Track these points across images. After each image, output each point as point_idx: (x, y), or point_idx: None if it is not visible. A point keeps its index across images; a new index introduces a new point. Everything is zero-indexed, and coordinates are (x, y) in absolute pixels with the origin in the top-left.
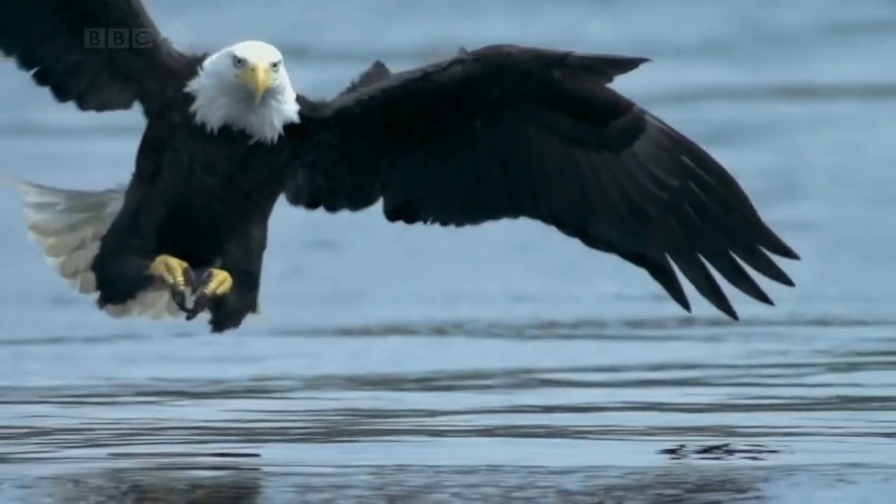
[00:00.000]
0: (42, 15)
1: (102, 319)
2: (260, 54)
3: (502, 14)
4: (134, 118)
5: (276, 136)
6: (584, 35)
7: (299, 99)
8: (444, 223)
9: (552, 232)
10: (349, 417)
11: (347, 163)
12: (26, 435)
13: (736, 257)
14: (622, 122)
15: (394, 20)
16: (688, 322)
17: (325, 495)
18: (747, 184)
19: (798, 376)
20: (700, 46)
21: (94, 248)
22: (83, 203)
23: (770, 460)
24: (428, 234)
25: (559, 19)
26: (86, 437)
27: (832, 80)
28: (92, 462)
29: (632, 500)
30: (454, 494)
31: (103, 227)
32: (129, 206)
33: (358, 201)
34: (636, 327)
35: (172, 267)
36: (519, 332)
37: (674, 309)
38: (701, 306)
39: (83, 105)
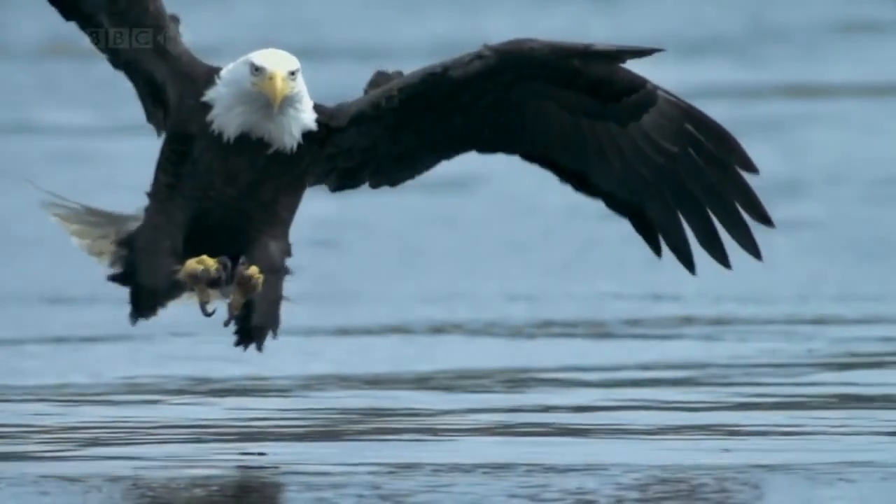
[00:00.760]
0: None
1: (101, 318)
2: (278, 62)
3: (507, 11)
4: (137, 118)
5: (295, 145)
6: (589, 32)
7: (317, 107)
8: (427, 170)
9: (550, 231)
10: (348, 416)
11: (366, 163)
12: (25, 434)
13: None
14: (635, 98)
15: (399, 18)
16: (686, 321)
17: (325, 494)
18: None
19: (796, 375)
20: (700, 44)
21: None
22: (108, 221)
23: (769, 459)
24: (426, 234)
25: (563, 17)
26: (87, 437)
27: (831, 79)
28: (92, 461)
29: (631, 499)
30: (453, 493)
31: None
32: (150, 221)
33: (376, 185)
34: (634, 326)
35: (202, 259)
36: (517, 331)
37: (672, 308)
38: (700, 307)
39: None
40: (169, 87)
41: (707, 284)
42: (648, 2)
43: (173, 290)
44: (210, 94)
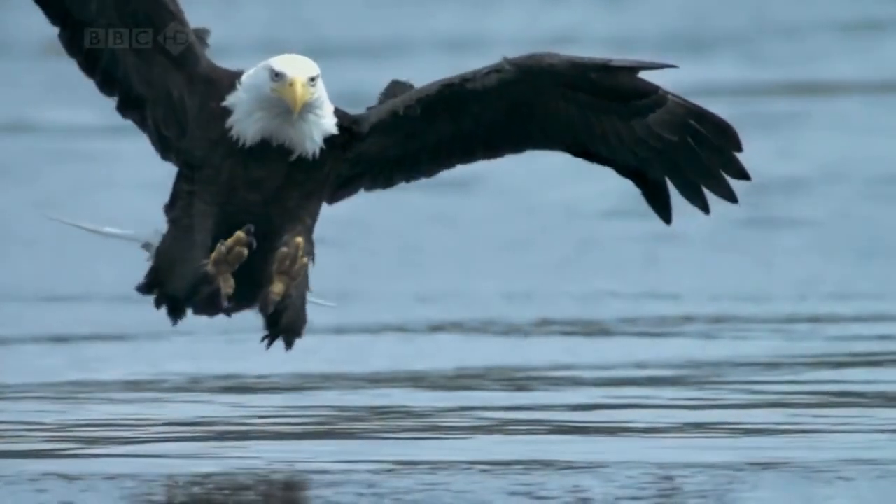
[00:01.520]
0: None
1: (98, 317)
2: (298, 68)
3: (512, 8)
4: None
5: (317, 150)
6: (591, 29)
7: (337, 111)
8: (430, 176)
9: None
10: (346, 415)
11: (368, 171)
12: (23, 432)
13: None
14: (645, 101)
15: (402, 14)
16: (684, 320)
17: (323, 492)
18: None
19: (794, 373)
20: (699, 42)
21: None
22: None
23: (766, 457)
24: (425, 233)
25: (566, 12)
26: (85, 435)
27: (829, 77)
28: (90, 459)
29: (629, 497)
30: (452, 491)
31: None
32: (173, 231)
33: (370, 188)
34: (632, 324)
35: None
36: (515, 329)
37: (670, 307)
38: (698, 305)
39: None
40: (188, 97)
41: (705, 283)
42: None
43: (201, 287)
44: (230, 99)
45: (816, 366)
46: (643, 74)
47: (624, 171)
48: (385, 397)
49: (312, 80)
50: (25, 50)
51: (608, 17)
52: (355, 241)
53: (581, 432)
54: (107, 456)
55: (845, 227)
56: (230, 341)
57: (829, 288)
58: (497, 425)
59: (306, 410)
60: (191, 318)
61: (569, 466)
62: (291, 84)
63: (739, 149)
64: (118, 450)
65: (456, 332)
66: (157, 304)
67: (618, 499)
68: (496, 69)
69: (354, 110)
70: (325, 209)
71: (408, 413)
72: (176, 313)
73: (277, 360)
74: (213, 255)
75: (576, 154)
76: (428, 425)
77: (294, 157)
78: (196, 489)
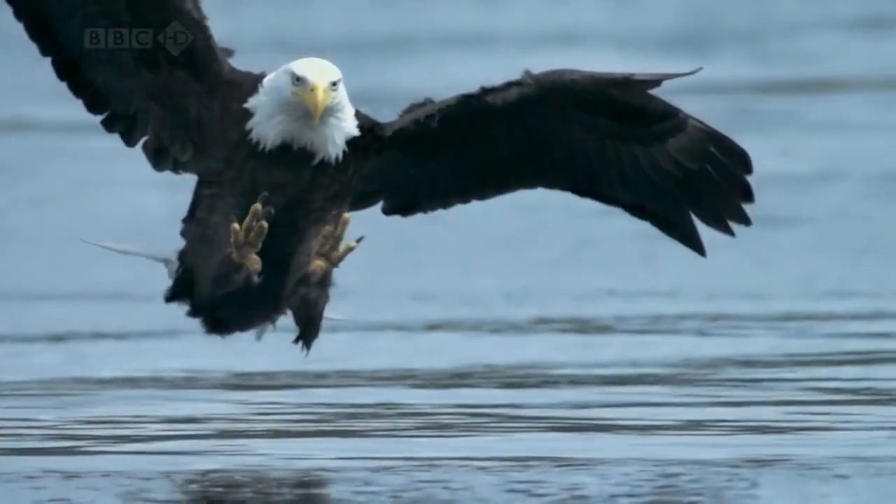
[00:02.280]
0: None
1: (95, 315)
2: (320, 73)
3: (515, 7)
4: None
5: (340, 154)
6: (593, 26)
7: (358, 114)
8: (446, 206)
9: (545, 228)
10: (343, 412)
11: (383, 189)
12: (21, 430)
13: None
14: (666, 124)
15: (407, 11)
16: (682, 318)
17: (320, 489)
18: None
19: (790, 371)
20: (699, 40)
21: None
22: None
23: (762, 454)
24: (422, 231)
25: (570, 10)
26: (83, 433)
27: (826, 75)
28: (88, 456)
29: (626, 494)
30: (449, 489)
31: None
32: (196, 236)
33: (388, 211)
34: (630, 322)
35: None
36: (513, 327)
37: (667, 305)
38: (695, 303)
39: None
40: (208, 107)
41: (702, 281)
42: None
43: (229, 276)
44: (252, 102)
45: (813, 363)
46: (667, 95)
47: (633, 209)
48: (382, 395)
49: (334, 84)
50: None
51: (612, 15)
52: (352, 238)
53: (578, 430)
54: (104, 453)
55: (843, 226)
56: (227, 339)
57: (826, 286)
58: (494, 423)
59: (304, 408)
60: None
61: (566, 464)
62: (313, 89)
63: (749, 172)
64: (116, 447)
65: (453, 329)
66: (192, 315)
67: (614, 496)
68: (517, 82)
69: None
70: None
71: (405, 411)
72: (216, 325)
73: (275, 358)
74: (232, 238)
75: (584, 191)
76: (425, 423)
77: (316, 161)
78: (193, 486)
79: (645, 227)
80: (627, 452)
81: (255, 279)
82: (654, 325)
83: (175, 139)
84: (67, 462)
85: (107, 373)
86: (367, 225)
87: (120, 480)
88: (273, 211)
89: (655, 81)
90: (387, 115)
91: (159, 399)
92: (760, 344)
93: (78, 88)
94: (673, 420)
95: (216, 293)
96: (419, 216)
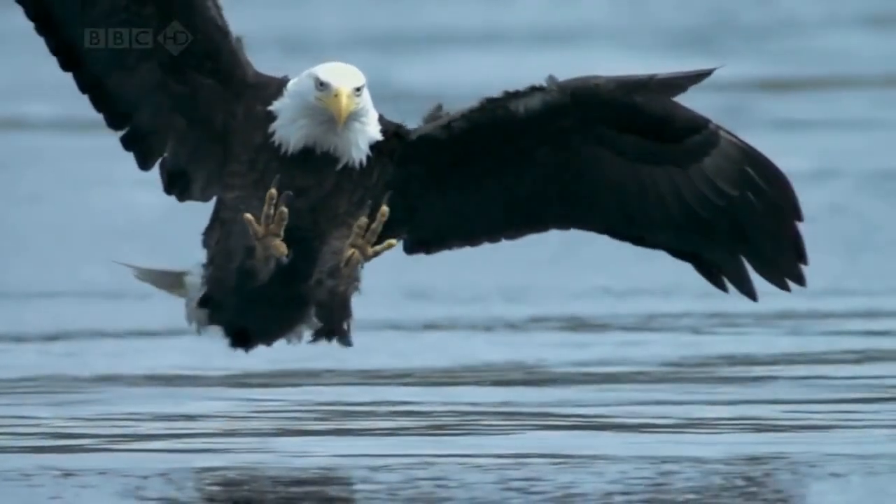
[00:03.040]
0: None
1: (93, 314)
2: (344, 79)
3: (518, 7)
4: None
5: (364, 158)
6: (592, 21)
7: (381, 119)
8: (474, 244)
9: None
10: (340, 410)
11: (407, 217)
12: (19, 429)
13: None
14: (698, 138)
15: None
16: (678, 316)
17: (318, 487)
18: None
19: (787, 369)
20: (699, 39)
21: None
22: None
23: (759, 451)
24: None
25: (575, 8)
26: (82, 431)
27: (823, 73)
28: (85, 454)
29: (621, 492)
30: (446, 486)
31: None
32: (222, 242)
33: (410, 249)
34: (627, 321)
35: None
36: (509, 326)
37: (664, 303)
38: (691, 302)
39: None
40: (231, 116)
41: (699, 279)
42: None
43: (255, 268)
44: (276, 105)
45: (809, 362)
46: (691, 103)
47: (678, 252)
48: (378, 393)
49: (358, 89)
50: (22, 46)
51: (618, 12)
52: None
53: (573, 427)
54: (100, 451)
55: (839, 223)
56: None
57: (822, 283)
58: (490, 421)
59: (300, 406)
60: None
61: (561, 462)
62: (336, 95)
63: (798, 214)
64: (112, 445)
65: (449, 328)
66: (213, 321)
67: (609, 494)
68: (540, 87)
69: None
70: None
71: (401, 409)
72: (239, 338)
73: (271, 356)
74: (252, 231)
75: (623, 232)
76: (421, 421)
77: (340, 165)
78: (190, 484)
79: None
80: (623, 450)
81: (285, 259)
82: (650, 323)
83: (192, 160)
84: (63, 460)
85: (103, 371)
86: None
87: (116, 478)
88: (292, 194)
89: (679, 84)
90: (389, 113)
91: (155, 397)
92: (756, 342)
93: (99, 102)
94: (668, 418)
95: (242, 288)
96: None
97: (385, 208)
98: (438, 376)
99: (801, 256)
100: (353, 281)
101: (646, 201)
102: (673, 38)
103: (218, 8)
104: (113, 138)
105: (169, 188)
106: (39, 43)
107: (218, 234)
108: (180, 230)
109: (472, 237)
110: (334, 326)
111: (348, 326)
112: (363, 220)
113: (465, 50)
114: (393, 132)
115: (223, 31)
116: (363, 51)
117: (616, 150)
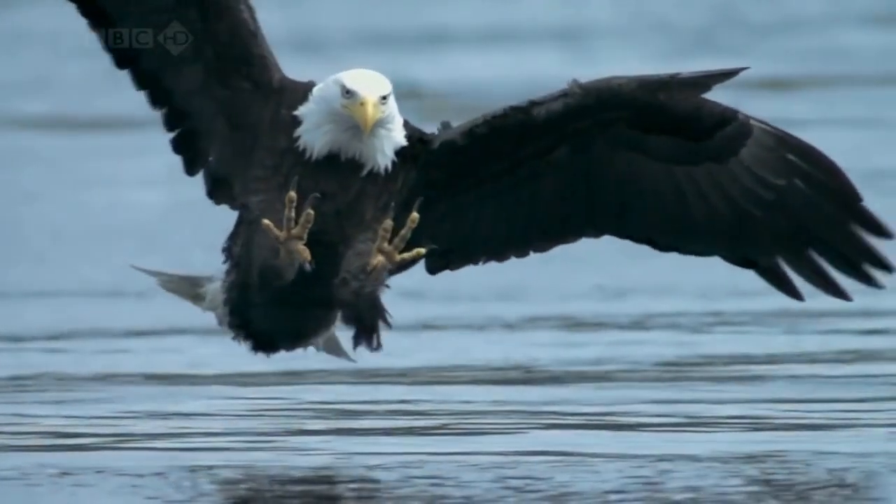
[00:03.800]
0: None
1: (90, 313)
2: (370, 87)
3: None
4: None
5: (389, 164)
6: (597, 20)
7: (406, 125)
8: (501, 258)
9: None
10: (338, 410)
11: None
12: (17, 428)
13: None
14: (729, 131)
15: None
16: (675, 315)
17: (317, 487)
18: None
19: (785, 368)
20: (698, 37)
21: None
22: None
23: (755, 451)
24: None
25: (580, 6)
26: (80, 431)
27: (823, 72)
28: (84, 452)
29: (617, 490)
30: (444, 485)
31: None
32: (247, 245)
33: (433, 268)
34: (621, 319)
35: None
36: (504, 325)
37: (662, 302)
38: (689, 301)
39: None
40: (259, 118)
41: (696, 279)
42: None
43: (278, 270)
44: (302, 110)
45: (807, 361)
46: (716, 95)
47: (736, 260)
48: (374, 393)
49: (384, 98)
50: (20, 45)
51: (623, 11)
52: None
53: (570, 426)
54: (99, 449)
55: None
56: (222, 337)
57: None
58: (486, 420)
59: (297, 406)
60: (186, 314)
61: (558, 460)
62: (363, 103)
63: (857, 196)
64: (110, 444)
65: (444, 327)
66: (235, 324)
67: (605, 492)
68: (565, 92)
69: None
70: None
71: (398, 408)
72: (262, 343)
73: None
74: (274, 235)
75: (667, 241)
76: (418, 420)
77: (365, 171)
78: (188, 483)
79: None
80: (620, 449)
81: (308, 266)
82: (647, 322)
83: (233, 164)
84: (62, 459)
85: (101, 370)
86: None
87: (114, 477)
88: (319, 196)
89: (702, 80)
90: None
91: (154, 396)
92: (753, 341)
93: (157, 101)
94: (665, 416)
95: (266, 290)
96: None
97: (415, 214)
98: (434, 375)
99: (880, 234)
100: (380, 283)
101: (685, 203)
102: (675, 37)
103: (251, 10)
104: (113, 138)
105: (211, 193)
106: (39, 42)
107: (243, 237)
108: (180, 230)
109: (498, 249)
110: (371, 324)
111: (377, 325)
112: (388, 222)
113: (470, 48)
114: (417, 138)
115: (255, 35)
116: (370, 49)
117: (646, 152)
